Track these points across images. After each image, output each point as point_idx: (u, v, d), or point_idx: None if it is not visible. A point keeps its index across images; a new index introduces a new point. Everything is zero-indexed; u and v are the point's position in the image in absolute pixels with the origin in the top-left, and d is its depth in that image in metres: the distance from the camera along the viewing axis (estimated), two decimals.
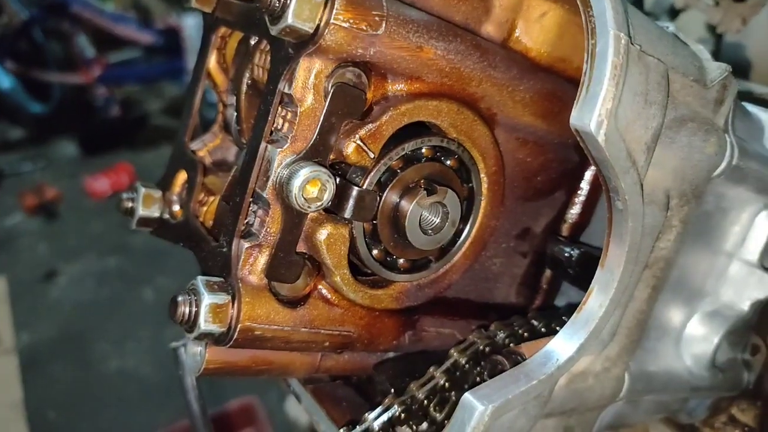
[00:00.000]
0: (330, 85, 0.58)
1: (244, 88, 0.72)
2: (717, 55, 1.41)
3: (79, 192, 5.13)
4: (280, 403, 2.69)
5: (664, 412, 0.96)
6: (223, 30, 0.76)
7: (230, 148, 0.83)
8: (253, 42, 0.71)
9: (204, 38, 0.77)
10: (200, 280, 0.60)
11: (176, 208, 0.80)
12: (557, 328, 0.71)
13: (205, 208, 0.74)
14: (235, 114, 0.75)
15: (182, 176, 0.80)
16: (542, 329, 0.73)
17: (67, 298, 3.96)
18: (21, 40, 5.84)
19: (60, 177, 5.46)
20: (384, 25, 0.57)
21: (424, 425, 0.69)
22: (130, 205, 0.79)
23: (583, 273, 0.75)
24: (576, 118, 0.52)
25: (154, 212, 0.79)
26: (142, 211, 0.79)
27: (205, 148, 0.82)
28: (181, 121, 0.80)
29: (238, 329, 0.59)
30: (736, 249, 0.85)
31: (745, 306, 0.86)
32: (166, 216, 0.79)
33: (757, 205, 0.83)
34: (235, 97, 0.74)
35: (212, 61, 0.77)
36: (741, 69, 1.31)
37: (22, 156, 5.96)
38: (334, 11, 0.54)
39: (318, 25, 0.55)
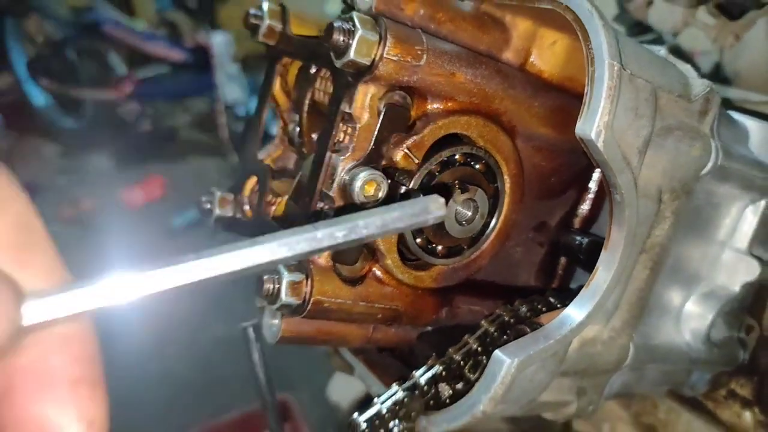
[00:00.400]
0: (382, 106, 0.73)
1: (305, 108, 0.87)
2: (719, 65, 1.54)
3: (114, 203, 5.34)
4: (314, 399, 2.84)
5: (668, 383, 1.09)
6: (285, 59, 0.91)
7: (290, 157, 0.98)
8: (313, 70, 0.86)
9: (269, 66, 0.92)
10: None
11: (246, 208, 0.95)
12: (569, 303, 0.85)
13: (273, 207, 0.89)
14: (298, 129, 0.89)
15: (251, 182, 0.95)
16: (557, 305, 0.87)
17: None
18: (55, 59, 6.08)
19: (94, 189, 5.68)
20: (425, 57, 0.72)
21: (460, 384, 0.83)
22: (208, 206, 0.94)
23: (591, 258, 0.89)
24: (580, 129, 0.66)
25: (228, 212, 0.94)
26: (218, 212, 0.94)
27: (270, 157, 0.97)
28: (249, 136, 0.95)
29: (311, 302, 0.74)
30: (727, 238, 0.98)
31: (736, 288, 0.99)
32: (239, 215, 0.94)
33: (744, 200, 0.96)
34: (297, 116, 0.89)
35: (276, 86, 0.93)
36: (736, 77, 1.44)
37: (57, 170, 6.21)
38: (386, 48, 0.69)
39: (373, 59, 0.69)
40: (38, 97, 6.54)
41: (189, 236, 4.81)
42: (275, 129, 0.99)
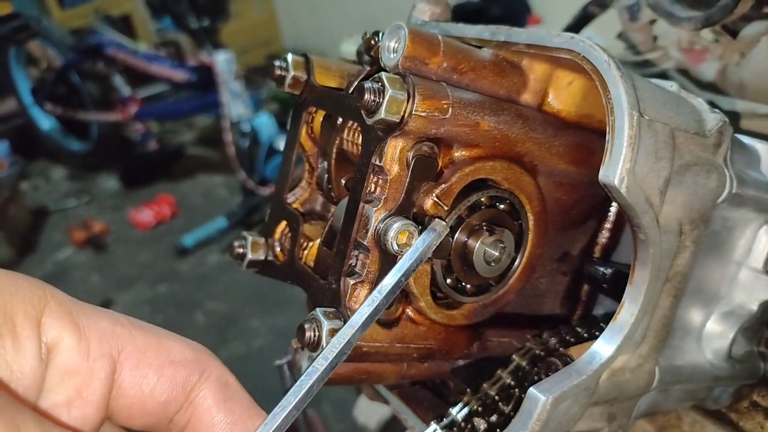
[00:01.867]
0: (411, 157, 0.76)
1: (333, 155, 0.91)
2: (722, 77, 1.57)
3: (124, 224, 5.39)
4: (336, 414, 2.87)
5: (692, 400, 1.12)
6: (310, 108, 0.95)
7: (317, 199, 1.01)
8: (340, 120, 0.89)
9: (295, 114, 0.96)
10: (319, 311, 0.78)
11: (278, 251, 0.98)
12: (597, 333, 0.88)
13: (305, 252, 0.93)
14: (326, 175, 0.93)
15: (281, 226, 0.98)
16: (585, 334, 0.90)
17: None
18: (59, 83, 6.14)
19: (104, 210, 5.74)
20: (451, 110, 0.75)
21: (494, 417, 0.86)
22: (241, 251, 0.97)
23: (615, 287, 0.92)
24: (603, 176, 0.70)
25: (260, 256, 0.97)
26: (251, 256, 0.97)
27: (297, 201, 1.01)
28: (279, 181, 0.98)
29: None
30: (743, 258, 1.01)
31: (755, 306, 1.01)
32: (270, 258, 0.98)
33: (758, 222, 0.99)
34: (325, 162, 0.92)
35: (302, 133, 0.96)
36: (742, 89, 1.47)
37: (66, 192, 6.26)
38: (415, 105, 0.72)
39: (403, 116, 0.73)
40: (44, 121, 6.63)
41: (199, 254, 4.86)
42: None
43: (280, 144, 4.98)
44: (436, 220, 0.75)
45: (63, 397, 0.52)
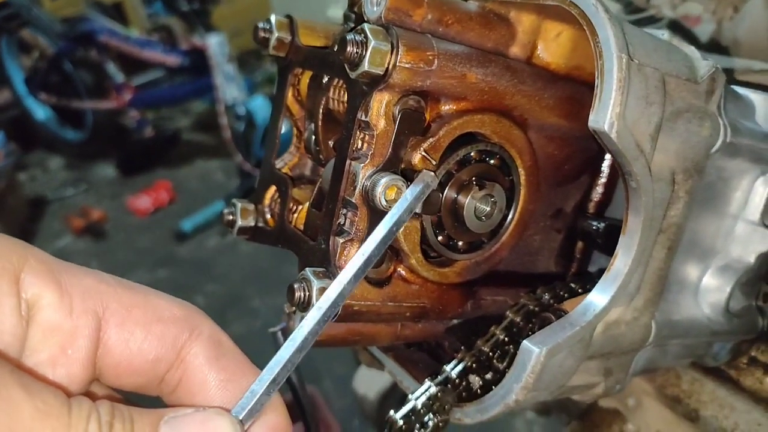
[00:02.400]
0: (397, 111, 0.75)
1: (320, 116, 0.89)
2: (718, 35, 1.55)
3: (122, 211, 5.38)
4: (338, 391, 2.89)
5: (690, 356, 1.12)
6: (296, 69, 0.93)
7: (306, 164, 1.00)
8: (325, 79, 0.88)
9: (280, 78, 0.94)
10: (308, 271, 0.77)
11: (268, 216, 0.97)
12: (591, 288, 0.87)
13: (295, 215, 0.92)
14: (314, 137, 0.91)
15: (270, 191, 0.97)
16: (579, 290, 0.89)
17: None
18: (53, 72, 6.10)
19: (102, 198, 5.73)
20: (436, 61, 0.73)
21: (489, 375, 0.86)
22: (231, 217, 0.96)
23: (609, 242, 0.91)
24: (593, 122, 0.68)
25: (251, 222, 0.96)
26: (241, 222, 0.96)
27: (286, 165, 0.99)
28: (266, 147, 0.97)
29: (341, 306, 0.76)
30: (739, 211, 1.00)
31: (752, 258, 1.00)
32: (261, 224, 0.97)
33: (754, 173, 0.97)
34: (312, 124, 0.91)
35: (289, 96, 0.95)
36: (736, 46, 1.45)
37: (63, 181, 6.25)
38: (399, 56, 0.71)
39: (387, 68, 0.71)
40: (39, 111, 6.59)
41: (197, 239, 4.86)
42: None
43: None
44: (425, 171, 0.73)
45: (46, 356, 0.51)
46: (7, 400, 0.41)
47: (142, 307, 0.56)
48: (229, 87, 5.02)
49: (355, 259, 0.64)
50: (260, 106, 5.01)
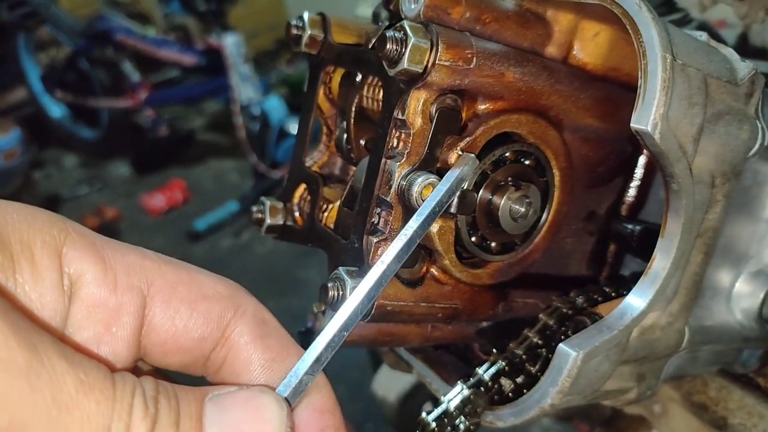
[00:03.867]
0: (434, 110, 0.74)
1: (353, 114, 0.88)
2: (746, 38, 1.54)
3: (137, 210, 5.41)
4: (351, 394, 2.87)
5: (719, 363, 1.10)
6: (328, 67, 0.93)
7: (336, 163, 0.99)
8: (359, 77, 0.87)
9: (312, 75, 0.93)
10: (342, 270, 0.76)
11: (296, 215, 0.96)
12: (624, 292, 0.85)
13: (325, 214, 0.91)
14: (345, 136, 0.91)
15: (300, 189, 0.96)
16: (612, 294, 0.88)
17: None
18: (69, 71, 6.13)
19: (117, 197, 5.76)
20: (474, 59, 0.73)
21: (521, 378, 0.85)
22: (259, 216, 0.96)
23: (643, 245, 0.90)
24: (636, 122, 0.67)
25: (279, 221, 0.96)
26: (269, 221, 0.95)
27: (316, 164, 0.99)
28: (297, 144, 0.96)
29: (375, 306, 0.75)
30: None
31: None
32: (290, 223, 0.96)
33: None
34: (344, 122, 0.90)
35: (320, 94, 0.94)
36: (764, 48, 1.43)
37: (78, 180, 6.29)
38: (438, 54, 0.70)
39: (426, 66, 0.70)
40: (54, 109, 6.63)
41: (211, 239, 4.87)
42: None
43: (291, 127, 4.95)
44: (466, 153, 0.72)
45: (90, 333, 0.49)
46: (50, 370, 0.39)
47: (187, 284, 0.55)
48: (244, 87, 5.03)
49: (400, 237, 0.64)
50: (275, 107, 5.02)
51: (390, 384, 1.88)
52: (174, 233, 5.03)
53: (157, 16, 6.60)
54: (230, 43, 4.98)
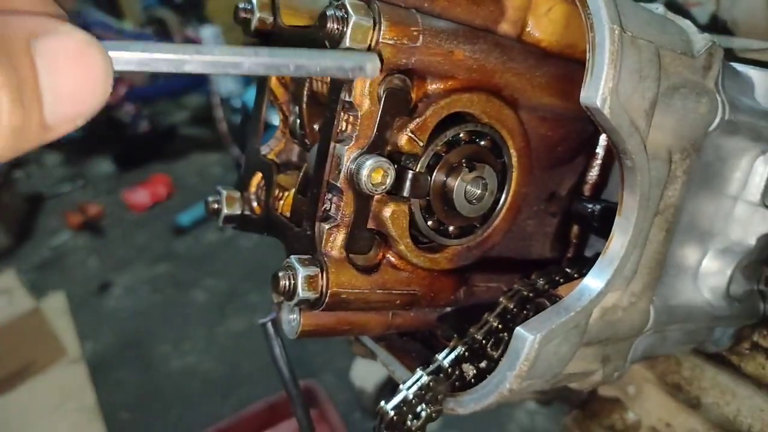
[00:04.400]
0: (382, 91, 0.72)
1: (305, 99, 0.86)
2: (716, 16, 1.52)
3: (120, 206, 5.35)
4: (338, 383, 2.86)
5: (691, 342, 1.09)
6: None
7: (292, 149, 0.97)
8: None
9: None
10: (293, 258, 0.74)
11: (254, 204, 0.94)
12: (586, 272, 0.84)
13: (281, 202, 0.89)
14: (299, 121, 0.89)
15: (256, 178, 0.94)
16: (575, 275, 0.86)
17: (124, 307, 4.17)
18: None
19: (99, 194, 5.70)
20: (421, 37, 0.70)
21: (483, 363, 0.83)
22: (216, 206, 0.93)
23: (605, 224, 0.88)
24: (584, 98, 0.65)
25: (236, 210, 0.94)
26: (226, 211, 0.93)
27: (272, 152, 0.96)
28: (250, 131, 0.94)
29: (328, 294, 0.73)
30: (739, 192, 0.97)
31: (752, 241, 0.98)
32: (247, 212, 0.94)
33: (754, 152, 0.94)
34: (297, 107, 0.88)
35: (273, 79, 0.92)
36: (735, 26, 1.41)
37: (60, 178, 6.22)
38: (381, 32, 0.68)
39: (369, 45, 0.68)
40: None
41: (196, 233, 4.83)
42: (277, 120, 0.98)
43: (273, 118, 4.91)
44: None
45: None
46: None
47: None
48: (224, 80, 4.98)
49: None
50: None
51: (367, 374, 1.87)
52: (158, 228, 4.99)
53: (135, 9, 6.51)
54: (208, 35, 4.92)
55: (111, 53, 0.45)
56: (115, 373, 3.59)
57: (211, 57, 0.51)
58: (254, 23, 0.86)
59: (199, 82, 5.31)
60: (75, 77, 0.43)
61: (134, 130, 6.11)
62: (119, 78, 5.68)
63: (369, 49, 0.68)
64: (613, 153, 0.95)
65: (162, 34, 5.51)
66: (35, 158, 6.59)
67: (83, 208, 5.30)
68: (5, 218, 5.08)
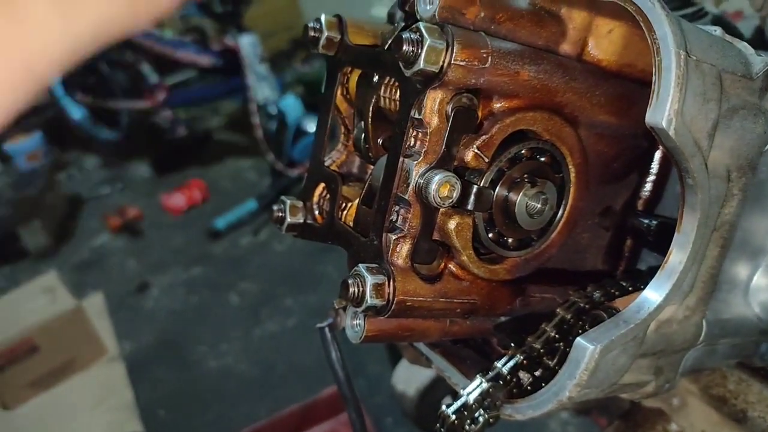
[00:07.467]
0: (450, 109, 0.75)
1: (370, 114, 0.90)
2: (762, 31, 1.53)
3: (158, 209, 5.47)
4: (371, 389, 2.90)
5: (738, 356, 1.10)
6: (345, 68, 0.94)
7: (354, 162, 1.01)
8: (376, 78, 0.89)
9: (329, 76, 0.95)
10: (362, 267, 0.78)
11: (316, 213, 0.98)
12: (641, 286, 0.86)
13: (344, 212, 0.93)
14: (363, 135, 0.93)
15: (319, 188, 0.98)
16: (629, 288, 0.88)
17: (161, 307, 4.26)
18: (89, 73, 6.20)
19: (137, 197, 5.83)
20: (490, 59, 0.74)
21: (539, 371, 0.86)
22: (280, 214, 0.98)
23: (660, 239, 0.91)
24: (650, 118, 0.68)
25: (299, 219, 0.98)
26: (290, 219, 0.97)
27: (334, 163, 1.01)
28: (316, 144, 0.98)
29: (395, 302, 0.77)
30: None
31: None
32: (309, 221, 0.98)
33: None
34: (362, 122, 0.92)
35: (338, 94, 0.96)
36: None
37: (99, 180, 6.37)
38: (454, 54, 0.71)
39: (442, 66, 0.72)
40: (75, 111, 6.71)
41: (231, 237, 4.91)
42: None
43: (308, 125, 4.98)
44: None
45: None
46: None
47: None
48: (260, 87, 5.07)
49: None
50: (291, 106, 5.05)
51: (409, 379, 1.90)
52: (194, 232, 5.09)
53: (174, 18, 6.66)
54: (246, 44, 5.01)
55: None
56: (153, 372, 3.68)
57: None
58: (322, 41, 0.90)
59: (235, 88, 5.40)
60: None
61: (172, 135, 6.24)
62: (158, 84, 5.81)
63: (441, 69, 0.72)
64: (666, 170, 0.98)
65: (201, 42, 5.62)
66: (76, 161, 6.77)
67: (122, 211, 5.42)
68: (47, 219, 5.23)
